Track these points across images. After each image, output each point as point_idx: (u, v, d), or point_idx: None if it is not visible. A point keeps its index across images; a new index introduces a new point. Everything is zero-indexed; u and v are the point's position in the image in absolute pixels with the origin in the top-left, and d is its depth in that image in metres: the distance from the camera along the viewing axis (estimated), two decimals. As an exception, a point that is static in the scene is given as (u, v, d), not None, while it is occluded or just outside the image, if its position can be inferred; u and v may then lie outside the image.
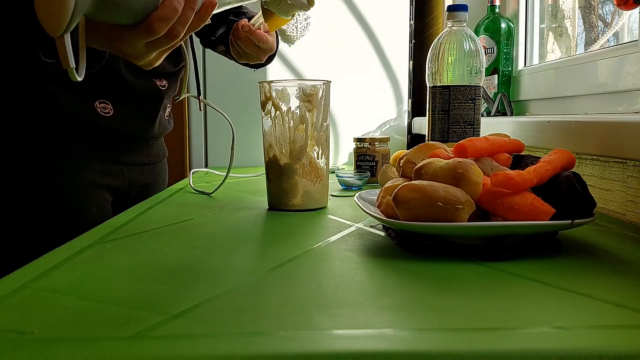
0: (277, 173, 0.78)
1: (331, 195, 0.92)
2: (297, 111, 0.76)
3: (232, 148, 0.93)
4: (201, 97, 0.93)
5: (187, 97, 0.91)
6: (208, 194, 0.95)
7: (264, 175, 1.24)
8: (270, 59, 1.02)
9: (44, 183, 0.81)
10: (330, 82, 0.80)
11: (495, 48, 1.28)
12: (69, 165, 0.83)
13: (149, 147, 0.98)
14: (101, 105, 0.84)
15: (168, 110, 1.01)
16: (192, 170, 1.14)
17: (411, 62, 1.64)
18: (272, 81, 0.77)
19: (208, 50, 1.55)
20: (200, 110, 0.92)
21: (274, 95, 0.77)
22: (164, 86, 0.93)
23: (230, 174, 1.24)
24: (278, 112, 0.77)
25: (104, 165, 0.88)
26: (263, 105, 0.79)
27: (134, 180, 0.94)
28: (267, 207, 0.82)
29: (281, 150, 0.78)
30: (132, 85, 0.87)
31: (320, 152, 0.79)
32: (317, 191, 0.79)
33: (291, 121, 0.77)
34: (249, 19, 0.96)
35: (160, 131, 0.98)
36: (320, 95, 0.78)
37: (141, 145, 0.95)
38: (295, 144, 0.77)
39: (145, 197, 0.97)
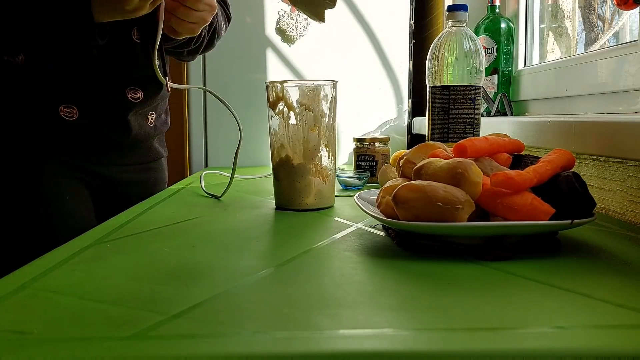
0: (289, 173, 0.78)
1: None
2: (311, 111, 0.77)
3: (238, 148, 0.91)
4: (208, 88, 0.94)
5: (192, 90, 0.91)
6: (217, 198, 0.93)
7: (263, 175, 1.25)
8: (212, 40, 0.97)
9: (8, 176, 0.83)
10: (337, 81, 0.80)
11: (495, 48, 1.28)
12: (33, 161, 0.84)
13: (133, 150, 0.96)
14: (66, 109, 0.84)
15: (152, 117, 0.98)
16: (202, 172, 1.12)
17: (411, 62, 1.64)
18: (284, 81, 0.77)
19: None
20: (168, 91, 0.90)
21: (287, 96, 0.77)
22: (137, 98, 0.91)
23: (236, 175, 1.24)
24: (291, 112, 0.77)
25: (76, 164, 0.89)
26: (273, 106, 0.79)
27: (116, 178, 0.94)
28: (271, 207, 0.82)
29: (294, 150, 0.78)
30: (98, 93, 0.87)
31: (329, 152, 0.79)
32: (327, 190, 0.80)
33: (305, 121, 0.77)
34: None
35: (141, 137, 0.96)
36: (322, 94, 0.78)
37: (121, 148, 0.94)
38: (309, 143, 0.77)
39: (137, 194, 0.97)
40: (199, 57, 1.55)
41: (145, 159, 1.00)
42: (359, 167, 1.10)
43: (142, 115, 0.95)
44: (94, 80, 0.86)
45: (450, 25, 0.88)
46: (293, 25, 1.54)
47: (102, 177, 0.93)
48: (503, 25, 1.28)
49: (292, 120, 0.77)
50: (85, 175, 0.90)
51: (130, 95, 0.90)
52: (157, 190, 1.04)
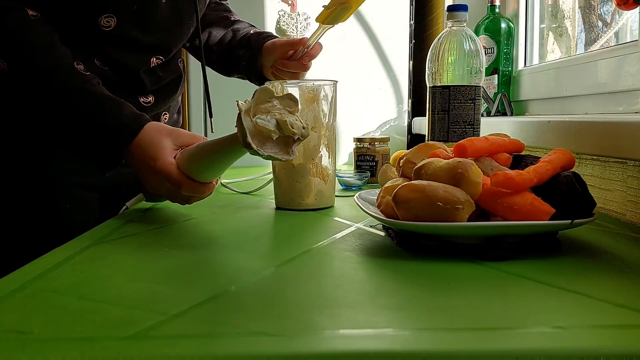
0: (290, 173, 0.78)
1: (331, 195, 0.92)
2: (311, 111, 0.77)
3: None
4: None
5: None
6: (248, 193, 0.96)
7: (263, 174, 1.25)
8: None
9: (17, 183, 0.81)
10: (337, 81, 0.80)
11: (495, 48, 1.28)
12: (40, 165, 0.83)
13: None
14: None
15: (165, 117, 0.99)
16: (220, 180, 1.11)
17: (411, 62, 1.64)
18: (284, 81, 0.77)
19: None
20: (212, 132, 0.91)
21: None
22: (149, 102, 0.91)
23: (236, 179, 1.24)
24: None
25: (84, 165, 0.87)
26: None
27: (125, 174, 0.91)
28: (271, 207, 0.81)
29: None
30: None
31: (329, 152, 0.79)
32: (327, 190, 0.80)
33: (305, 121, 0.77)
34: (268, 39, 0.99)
35: None
36: (322, 94, 0.77)
37: None
38: (309, 143, 0.77)
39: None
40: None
41: None
42: (359, 167, 1.10)
43: (155, 117, 0.95)
44: (106, 86, 0.86)
45: (450, 25, 0.88)
46: (293, 25, 1.54)
47: (109, 179, 0.92)
48: (503, 25, 1.28)
49: None
50: (95, 180, 0.89)
51: (142, 99, 0.90)
52: None
